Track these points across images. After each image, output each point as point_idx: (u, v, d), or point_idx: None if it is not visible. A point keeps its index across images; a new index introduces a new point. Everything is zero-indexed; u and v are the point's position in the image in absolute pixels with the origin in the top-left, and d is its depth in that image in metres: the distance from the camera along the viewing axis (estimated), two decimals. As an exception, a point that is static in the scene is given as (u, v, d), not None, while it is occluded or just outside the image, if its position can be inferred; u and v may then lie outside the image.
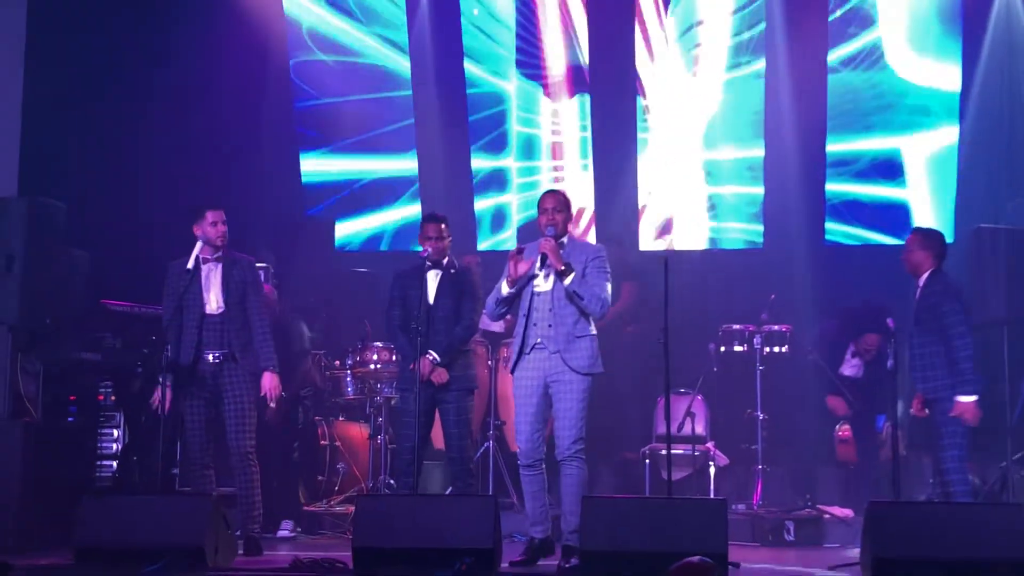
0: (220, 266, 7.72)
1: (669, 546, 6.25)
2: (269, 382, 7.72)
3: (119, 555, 6.60)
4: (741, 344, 9.11)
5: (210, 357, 7.62)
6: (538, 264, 6.93)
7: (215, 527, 6.71)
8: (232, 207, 8.12)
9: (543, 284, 6.92)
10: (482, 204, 11.54)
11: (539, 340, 6.89)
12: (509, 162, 11.56)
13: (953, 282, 7.68)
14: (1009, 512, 6.39)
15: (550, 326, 6.87)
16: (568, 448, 6.82)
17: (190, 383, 7.59)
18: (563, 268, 6.82)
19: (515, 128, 11.53)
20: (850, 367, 9.39)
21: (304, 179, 11.58)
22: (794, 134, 10.80)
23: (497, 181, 11.58)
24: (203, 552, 6.57)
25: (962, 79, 10.61)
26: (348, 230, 11.59)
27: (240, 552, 7.25)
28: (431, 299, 7.72)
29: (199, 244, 7.65)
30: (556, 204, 7.03)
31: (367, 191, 11.67)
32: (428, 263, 7.73)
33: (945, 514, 6.36)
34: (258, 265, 8.31)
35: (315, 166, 11.64)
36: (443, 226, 7.84)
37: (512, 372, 7.05)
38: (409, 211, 11.54)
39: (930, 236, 7.82)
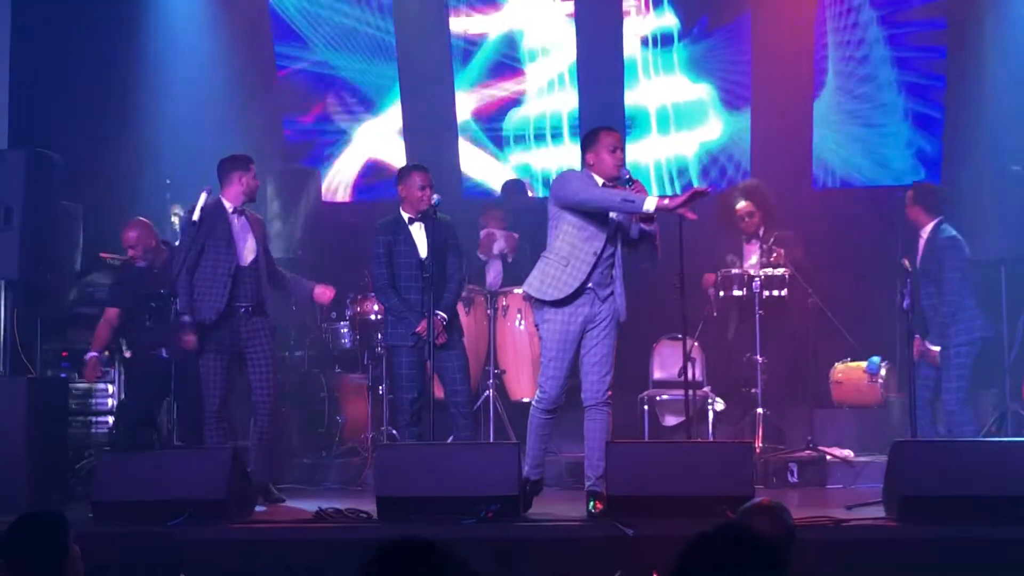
0: (245, 219, 7.67)
1: (695, 490, 6.32)
2: (324, 289, 8.07)
3: (140, 509, 6.55)
4: (740, 288, 9.09)
5: (241, 309, 7.57)
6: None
7: (236, 480, 6.67)
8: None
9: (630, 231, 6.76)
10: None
11: (591, 284, 6.68)
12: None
13: (955, 236, 8.04)
14: (1034, 449, 6.47)
15: (602, 273, 6.67)
16: (603, 394, 6.73)
17: (217, 335, 7.50)
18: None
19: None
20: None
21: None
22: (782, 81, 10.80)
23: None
24: (225, 505, 6.54)
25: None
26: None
27: (261, 505, 7.21)
28: (423, 253, 7.72)
29: (204, 196, 7.51)
30: (620, 142, 6.82)
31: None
32: (410, 217, 7.75)
33: (970, 452, 6.43)
34: None
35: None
36: (430, 176, 7.89)
37: (559, 306, 6.66)
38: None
39: (922, 191, 8.23)
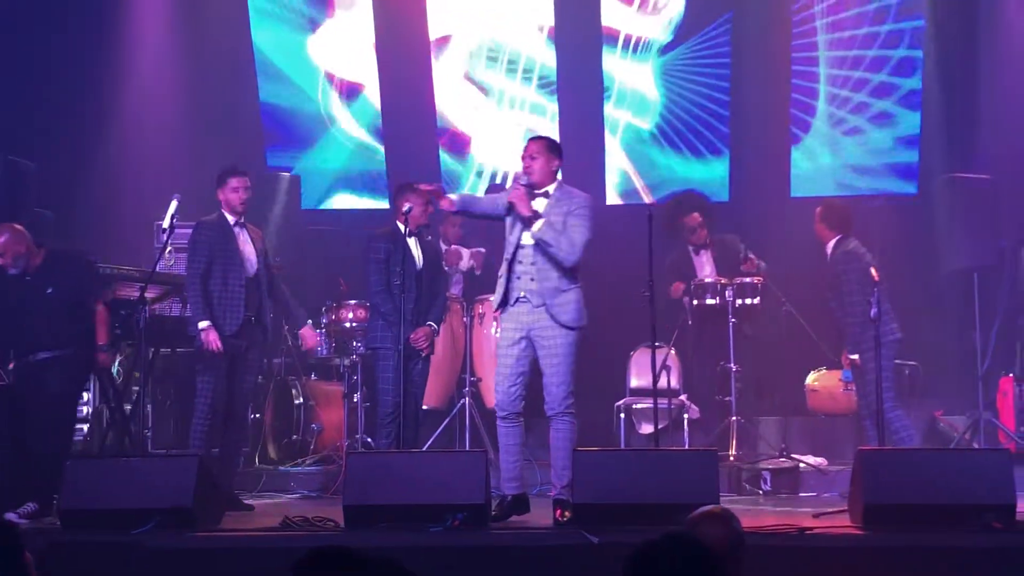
0: (246, 231, 7.74)
1: (660, 498, 6.31)
2: (311, 335, 8.35)
3: (106, 518, 6.52)
4: (714, 297, 9.11)
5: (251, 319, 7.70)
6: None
7: (203, 488, 6.65)
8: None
9: (529, 237, 6.77)
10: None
11: (523, 293, 6.77)
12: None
13: (854, 250, 8.30)
14: (997, 457, 6.47)
15: (532, 279, 6.73)
16: (560, 404, 6.74)
17: (225, 344, 7.54)
18: (529, 216, 6.68)
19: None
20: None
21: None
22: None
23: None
24: (191, 512, 6.52)
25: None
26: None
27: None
28: (419, 266, 7.83)
29: (174, 203, 7.57)
30: (533, 150, 6.85)
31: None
32: (407, 229, 7.78)
33: (934, 460, 6.46)
34: None
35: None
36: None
37: (502, 313, 6.90)
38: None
39: (826, 209, 8.59)
